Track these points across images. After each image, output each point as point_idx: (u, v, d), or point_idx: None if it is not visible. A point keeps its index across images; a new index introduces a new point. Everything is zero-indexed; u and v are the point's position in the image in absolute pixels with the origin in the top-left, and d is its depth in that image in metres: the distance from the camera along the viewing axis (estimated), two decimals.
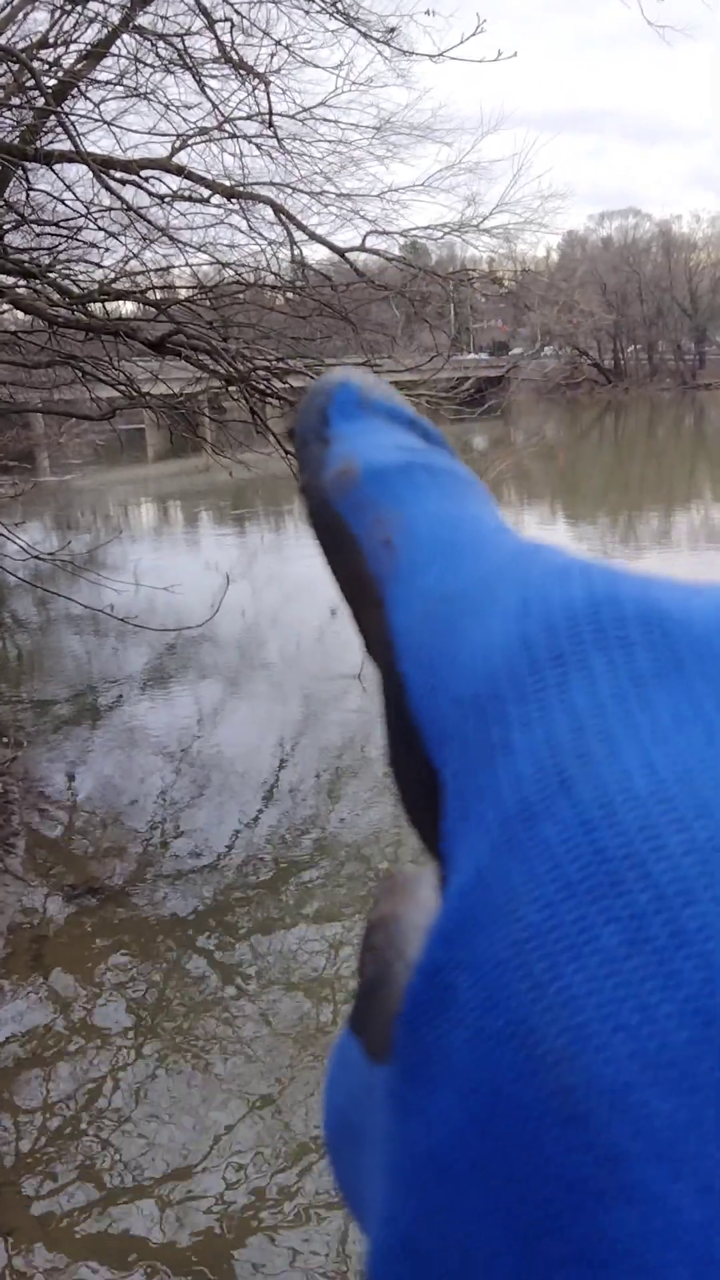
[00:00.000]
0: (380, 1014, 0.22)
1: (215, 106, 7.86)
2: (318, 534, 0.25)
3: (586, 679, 0.18)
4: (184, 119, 8.12)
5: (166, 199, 7.96)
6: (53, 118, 6.98)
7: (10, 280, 7.33)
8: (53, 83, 7.25)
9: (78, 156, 6.53)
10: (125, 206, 7.20)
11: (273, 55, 7.85)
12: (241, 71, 7.74)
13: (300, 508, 0.27)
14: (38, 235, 8.44)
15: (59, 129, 7.07)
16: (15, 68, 6.88)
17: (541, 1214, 0.14)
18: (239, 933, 5.70)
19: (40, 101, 6.94)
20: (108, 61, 8.06)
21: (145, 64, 7.95)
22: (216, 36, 7.67)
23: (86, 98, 7.68)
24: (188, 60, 7.70)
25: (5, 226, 8.28)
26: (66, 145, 6.85)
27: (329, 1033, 4.80)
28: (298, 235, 8.36)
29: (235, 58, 7.70)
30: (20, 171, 7.43)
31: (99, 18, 7.76)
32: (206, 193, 8.04)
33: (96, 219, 7.80)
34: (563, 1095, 0.15)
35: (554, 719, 0.17)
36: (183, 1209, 3.80)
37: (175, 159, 7.93)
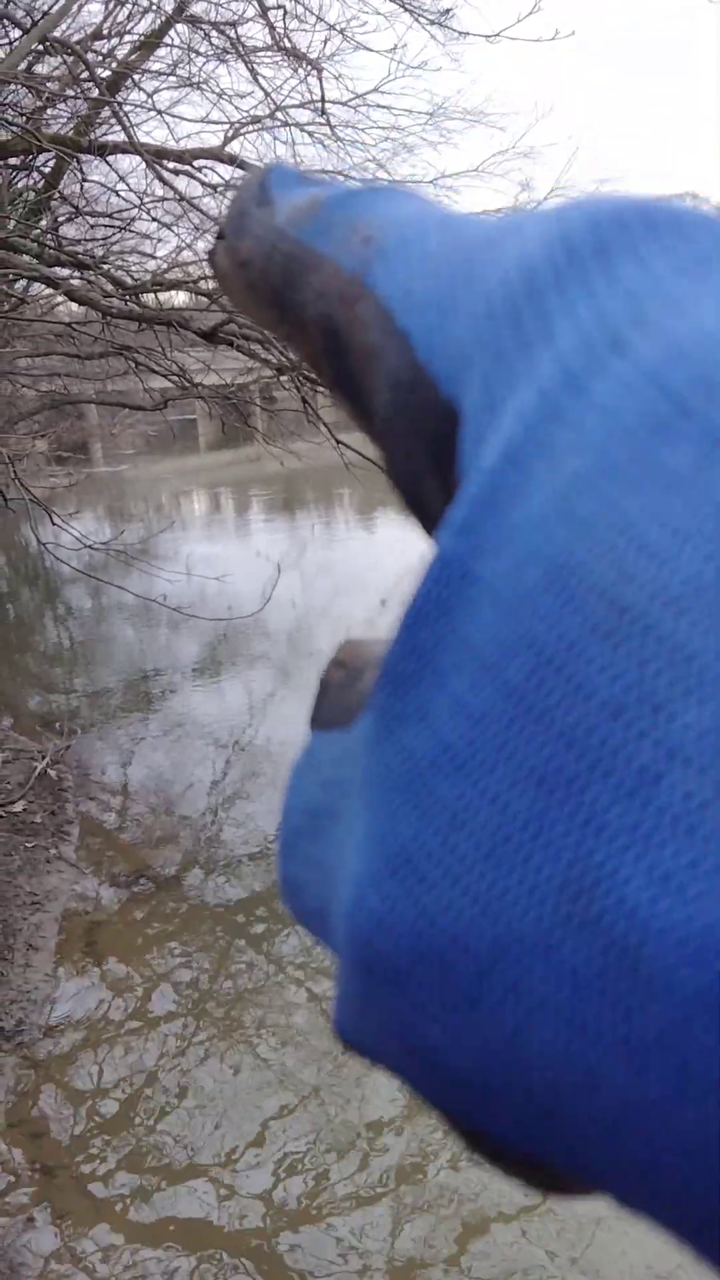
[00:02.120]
0: (350, 701, 0.19)
1: (268, 94, 7.86)
2: (265, 277, 0.21)
3: (638, 263, 0.15)
4: (236, 108, 8.14)
5: (219, 188, 7.96)
6: (107, 109, 7.02)
7: (65, 272, 7.38)
8: (107, 74, 7.28)
9: (131, 147, 6.55)
10: (178, 197, 7.22)
11: (325, 41, 7.82)
12: (294, 59, 7.72)
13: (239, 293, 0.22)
14: (91, 227, 8.50)
15: (113, 120, 7.11)
16: (70, 60, 6.91)
17: (586, 755, 0.12)
18: (288, 921, 5.71)
19: (94, 93, 6.98)
20: (161, 52, 8.09)
21: (198, 53, 7.98)
22: (269, 24, 7.67)
23: (140, 88, 7.70)
24: (240, 49, 7.71)
25: (60, 219, 8.35)
26: (120, 136, 6.89)
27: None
28: None
29: (288, 45, 7.69)
30: (75, 163, 7.48)
31: (153, 7, 7.78)
32: None
33: (150, 210, 7.84)
34: (615, 613, 0.12)
35: (600, 298, 0.15)
36: (234, 1195, 3.82)
37: (228, 148, 7.93)
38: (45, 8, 6.84)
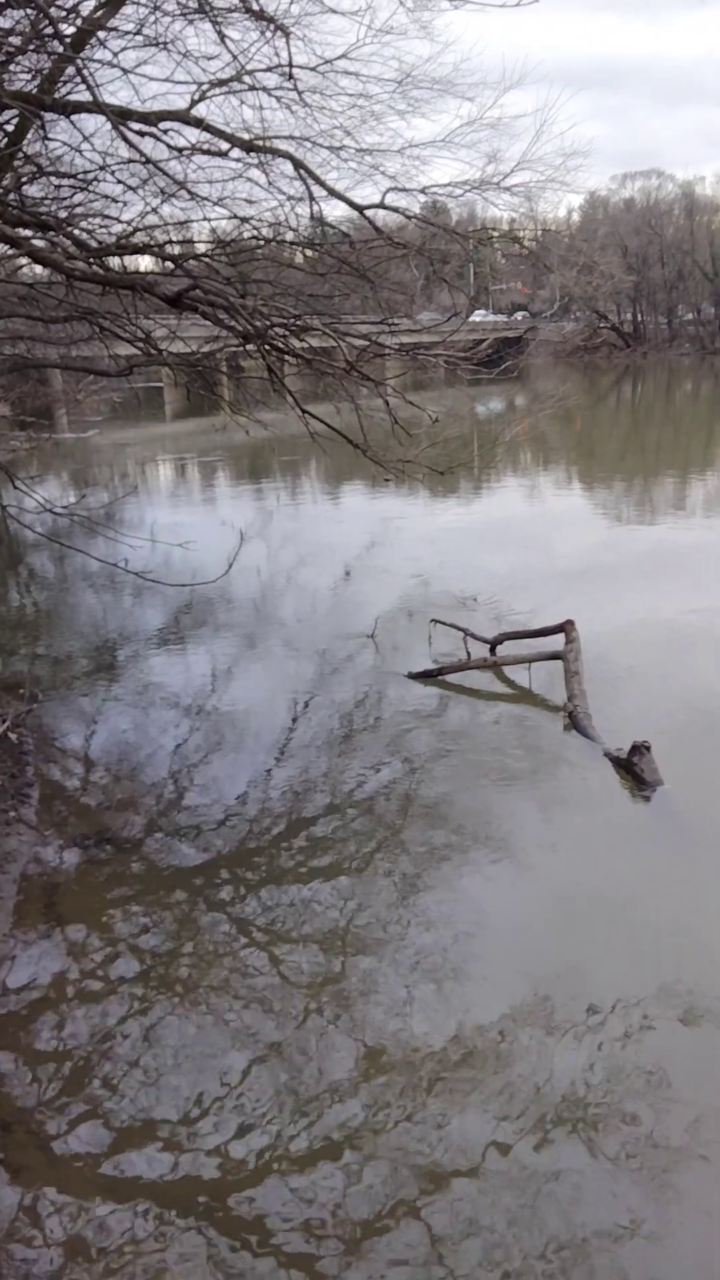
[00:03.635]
0: None
1: (235, 57, 7.74)
2: None
3: None
4: (203, 70, 8.00)
5: (185, 152, 7.85)
6: (71, 67, 6.90)
7: (28, 232, 7.28)
8: (71, 30, 7.15)
9: (96, 107, 6.44)
10: (143, 159, 7.12)
11: (292, 2, 7.71)
12: (261, 21, 7.62)
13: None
14: (55, 187, 8.36)
15: (77, 79, 6.99)
16: (33, 14, 6.78)
17: None
18: (250, 885, 5.77)
19: (58, 50, 6.85)
20: (127, 9, 7.91)
21: (164, 12, 7.82)
22: None
23: (105, 47, 7.54)
24: (207, 8, 7.58)
25: (22, 178, 8.21)
26: (85, 96, 6.77)
27: (340, 983, 4.87)
28: (317, 191, 8.25)
29: (255, 6, 7.58)
30: (38, 122, 7.35)
31: None
32: (225, 146, 7.94)
33: (114, 171, 7.73)
34: None
35: None
36: (191, 1152, 3.88)
37: (194, 111, 7.81)
38: None
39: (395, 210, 8.58)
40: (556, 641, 8.75)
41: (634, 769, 6.65)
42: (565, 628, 8.75)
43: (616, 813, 6.44)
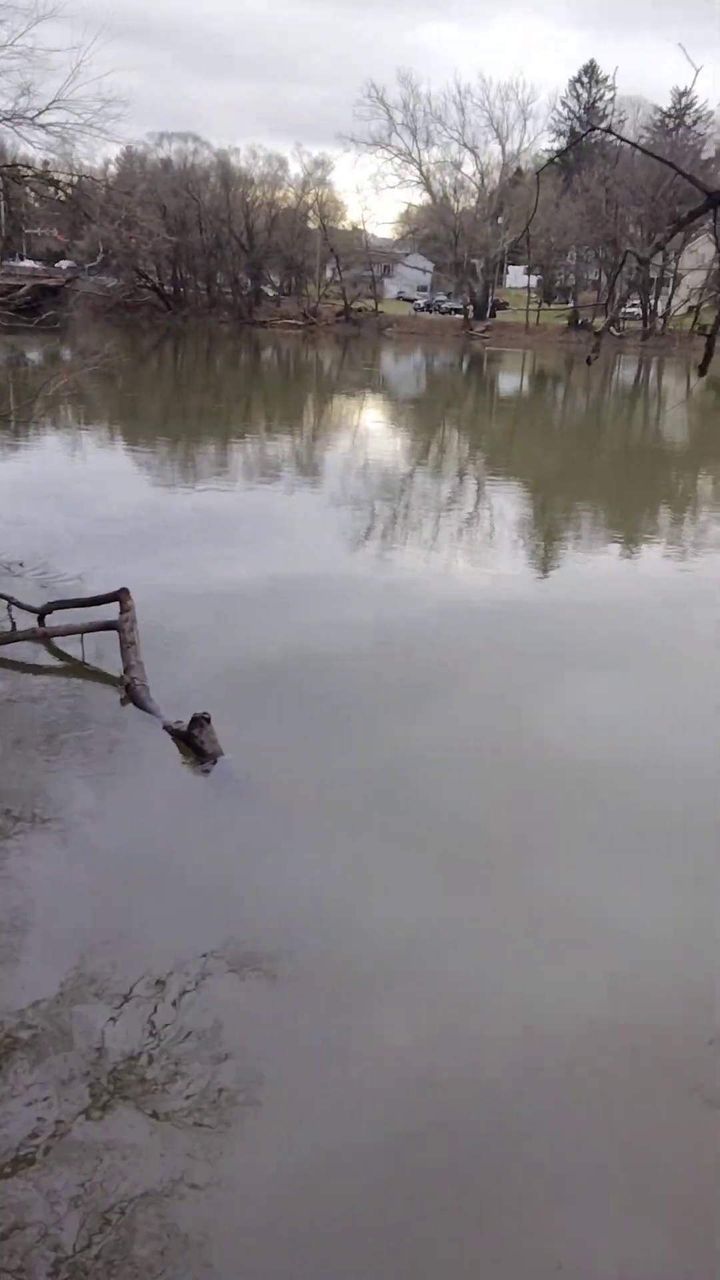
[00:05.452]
0: None
1: None
2: None
3: None
4: None
5: None
6: None
7: None
8: None
9: None
10: None
11: None
12: None
13: None
14: None
15: None
16: None
17: None
18: None
19: None
20: None
21: None
22: None
23: None
24: None
25: None
26: None
27: None
28: None
29: None
30: None
31: None
32: None
33: None
34: None
35: None
36: None
37: None
38: None
39: None
40: (111, 610, 8.46)
41: (194, 742, 6.59)
42: (120, 596, 8.49)
43: (174, 785, 6.41)
